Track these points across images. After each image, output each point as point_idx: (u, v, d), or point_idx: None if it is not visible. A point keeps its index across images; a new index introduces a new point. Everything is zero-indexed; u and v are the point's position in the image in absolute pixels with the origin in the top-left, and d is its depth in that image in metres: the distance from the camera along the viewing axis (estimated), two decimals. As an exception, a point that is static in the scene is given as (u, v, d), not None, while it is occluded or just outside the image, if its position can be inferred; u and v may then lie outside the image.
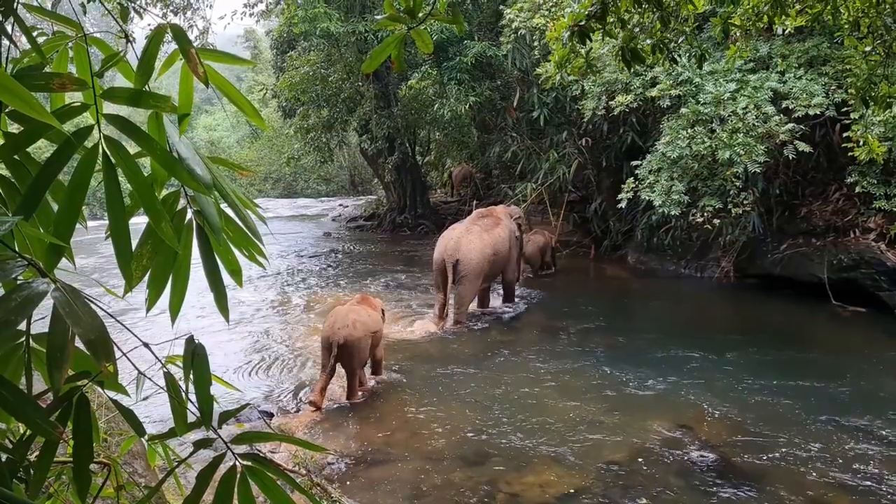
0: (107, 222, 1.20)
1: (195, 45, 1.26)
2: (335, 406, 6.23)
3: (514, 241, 9.86)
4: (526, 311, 9.89)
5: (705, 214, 9.35)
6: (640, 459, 5.11)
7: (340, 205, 25.92)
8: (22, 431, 1.28)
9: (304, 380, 6.94)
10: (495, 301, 10.19)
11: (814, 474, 4.85)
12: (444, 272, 8.81)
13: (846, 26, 4.77)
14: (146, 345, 1.37)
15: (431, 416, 5.98)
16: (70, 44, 1.41)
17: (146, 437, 1.46)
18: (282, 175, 33.55)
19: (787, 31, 7.13)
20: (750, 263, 10.85)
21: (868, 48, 4.79)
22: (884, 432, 5.48)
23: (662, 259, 12.07)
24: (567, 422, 5.78)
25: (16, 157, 1.29)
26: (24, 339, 1.16)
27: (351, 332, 6.15)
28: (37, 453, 1.23)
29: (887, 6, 4.42)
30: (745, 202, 9.25)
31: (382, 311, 6.96)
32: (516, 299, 10.25)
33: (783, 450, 5.19)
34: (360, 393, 6.47)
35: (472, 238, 9.01)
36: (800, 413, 5.85)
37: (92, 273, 11.31)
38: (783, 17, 4.66)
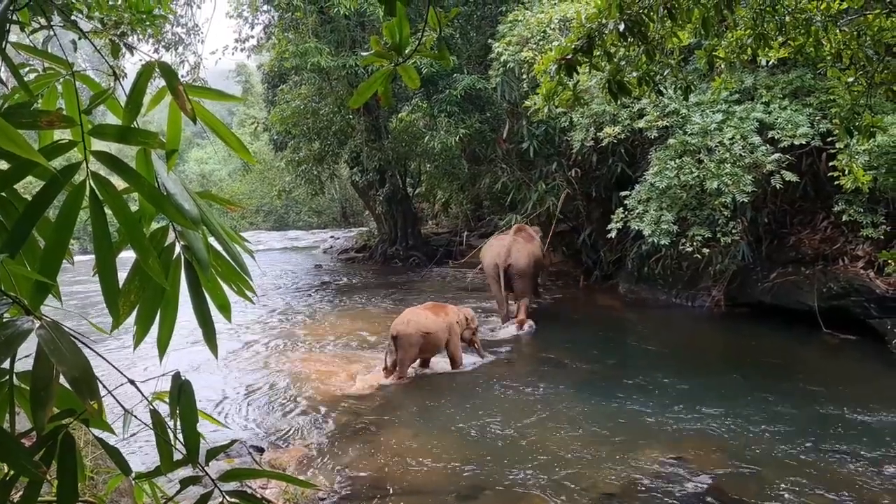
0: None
1: (186, 80, 1.27)
2: (328, 440, 6.17)
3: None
4: (518, 341, 9.86)
5: (695, 244, 9.41)
6: (635, 490, 5.06)
7: (332, 237, 25.98)
8: (5, 471, 1.26)
9: (296, 413, 6.86)
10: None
11: (807, 503, 4.81)
12: (497, 277, 10.36)
13: (829, 58, 4.86)
14: (132, 382, 1.36)
15: (424, 449, 5.92)
16: (59, 81, 1.42)
17: (133, 475, 1.44)
18: (273, 207, 33.67)
19: (771, 63, 7.25)
20: (740, 292, 10.88)
21: (851, 79, 4.87)
22: (877, 460, 5.45)
23: (653, 288, 12.09)
24: (561, 453, 5.73)
25: (3, 193, 1.28)
26: (7, 377, 1.14)
27: (404, 328, 7.50)
28: (21, 493, 1.21)
29: (868, 38, 4.51)
30: (733, 231, 9.33)
31: (466, 318, 8.23)
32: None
33: (777, 478, 5.15)
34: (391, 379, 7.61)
35: (518, 246, 10.57)
36: (792, 441, 5.82)
37: (80, 307, 11.22)
38: (767, 50, 4.75)
